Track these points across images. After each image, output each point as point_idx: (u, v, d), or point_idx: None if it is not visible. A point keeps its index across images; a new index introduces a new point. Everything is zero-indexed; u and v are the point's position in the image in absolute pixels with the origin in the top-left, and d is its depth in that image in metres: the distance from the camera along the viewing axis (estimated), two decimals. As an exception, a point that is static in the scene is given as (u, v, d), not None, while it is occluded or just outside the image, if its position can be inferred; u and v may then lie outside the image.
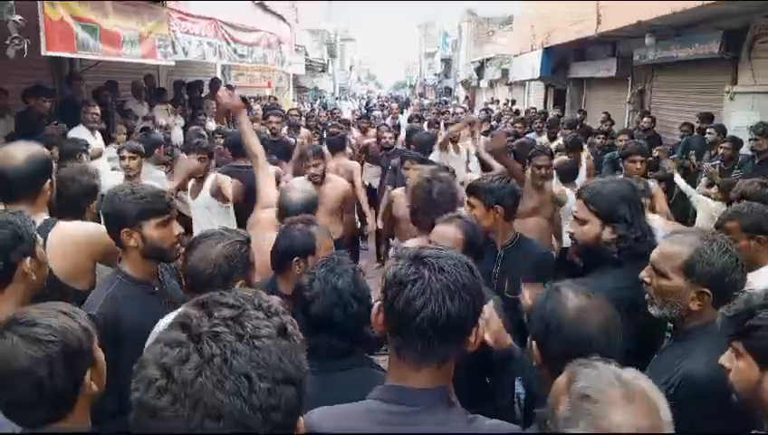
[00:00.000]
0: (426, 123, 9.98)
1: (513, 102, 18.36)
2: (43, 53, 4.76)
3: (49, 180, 2.31)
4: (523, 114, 13.35)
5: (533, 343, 1.56)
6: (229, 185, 4.10)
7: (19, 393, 1.25)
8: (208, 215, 4.28)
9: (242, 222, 3.70)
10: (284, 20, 12.49)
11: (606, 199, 2.23)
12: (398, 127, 9.53)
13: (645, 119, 9.15)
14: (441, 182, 2.79)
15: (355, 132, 9.40)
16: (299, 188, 3.11)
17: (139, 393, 0.75)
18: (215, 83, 10.35)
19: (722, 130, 6.88)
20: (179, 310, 0.86)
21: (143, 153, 4.58)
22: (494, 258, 2.69)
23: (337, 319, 1.62)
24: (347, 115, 14.19)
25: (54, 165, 2.46)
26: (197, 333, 0.76)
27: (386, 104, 16.40)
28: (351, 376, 1.57)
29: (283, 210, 2.88)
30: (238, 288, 1.91)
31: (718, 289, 1.72)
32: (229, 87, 11.13)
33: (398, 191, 4.57)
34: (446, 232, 2.25)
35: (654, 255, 1.86)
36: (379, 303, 1.24)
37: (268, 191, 3.31)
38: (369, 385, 1.29)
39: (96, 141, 6.01)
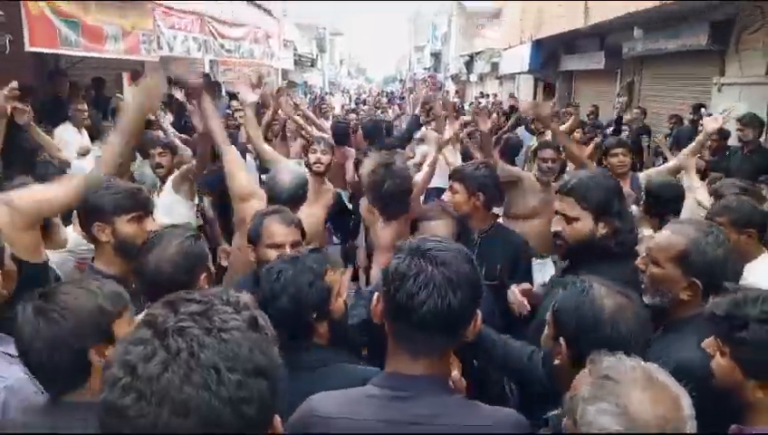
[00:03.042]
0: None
1: (512, 96, 18.13)
2: (26, 49, 4.69)
3: None
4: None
5: (561, 340, 1.47)
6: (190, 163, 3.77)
7: (34, 362, 1.32)
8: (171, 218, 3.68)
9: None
10: (272, 14, 12.39)
11: (597, 194, 2.16)
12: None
13: (634, 110, 9.18)
14: (394, 176, 2.64)
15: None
16: (289, 170, 2.90)
17: (104, 394, 0.72)
18: (204, 79, 10.25)
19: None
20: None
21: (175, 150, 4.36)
22: (471, 245, 2.66)
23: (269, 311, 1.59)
24: (337, 110, 14.12)
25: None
26: (163, 329, 0.74)
27: (374, 99, 16.19)
28: (320, 374, 1.53)
29: (271, 198, 2.78)
30: (203, 283, 1.91)
31: (709, 281, 1.71)
32: (216, 84, 11.02)
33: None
34: (439, 229, 2.28)
35: (651, 243, 1.87)
36: (378, 294, 1.26)
37: (241, 182, 3.01)
38: (338, 383, 1.31)
39: (83, 139, 5.94)
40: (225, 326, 0.75)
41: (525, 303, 2.33)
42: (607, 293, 1.47)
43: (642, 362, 1.12)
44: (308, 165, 4.00)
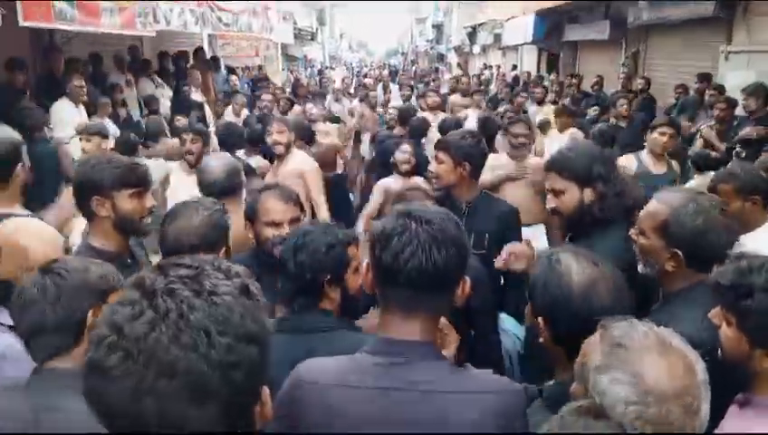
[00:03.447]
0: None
1: (515, 68, 17.88)
2: (20, 24, 4.61)
3: (20, 165, 2.24)
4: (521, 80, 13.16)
5: (540, 320, 1.44)
6: None
7: (32, 321, 1.33)
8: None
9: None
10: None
11: (577, 163, 2.18)
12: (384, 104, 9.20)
13: (639, 80, 9.02)
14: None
15: (345, 101, 9.29)
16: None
17: (90, 353, 0.71)
18: (199, 53, 10.13)
19: (721, 90, 6.75)
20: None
21: (107, 135, 4.33)
22: (459, 215, 2.62)
23: (287, 264, 1.66)
24: (338, 84, 13.99)
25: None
26: (152, 290, 0.72)
27: (376, 72, 16.11)
28: (323, 339, 1.55)
29: (202, 188, 2.75)
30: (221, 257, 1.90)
31: (691, 251, 1.68)
32: (214, 59, 10.88)
33: (390, 183, 4.08)
34: None
35: (641, 213, 1.84)
36: (367, 262, 1.27)
37: None
38: (340, 348, 1.31)
39: (81, 115, 5.88)
40: (215, 290, 0.74)
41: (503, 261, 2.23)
42: (577, 266, 1.42)
43: (655, 327, 1.09)
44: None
